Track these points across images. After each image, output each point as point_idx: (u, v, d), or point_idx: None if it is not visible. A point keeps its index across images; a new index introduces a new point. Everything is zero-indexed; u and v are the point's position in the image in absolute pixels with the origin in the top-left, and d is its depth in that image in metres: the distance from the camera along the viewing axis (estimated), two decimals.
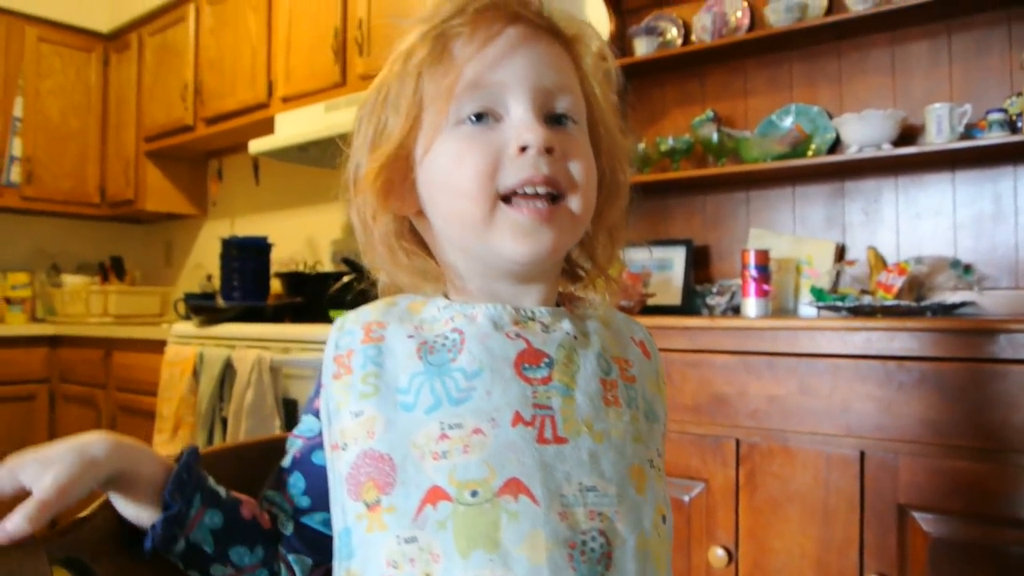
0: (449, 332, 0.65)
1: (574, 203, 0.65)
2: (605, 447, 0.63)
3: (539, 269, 0.67)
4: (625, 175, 0.74)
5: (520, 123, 0.63)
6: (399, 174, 0.67)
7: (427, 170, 0.66)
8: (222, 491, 0.67)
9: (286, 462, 0.70)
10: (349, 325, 0.69)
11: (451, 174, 0.64)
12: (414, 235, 0.72)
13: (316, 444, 0.68)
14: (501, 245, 0.63)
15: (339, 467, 0.63)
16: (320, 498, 0.67)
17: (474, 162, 0.63)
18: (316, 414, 0.69)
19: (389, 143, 0.66)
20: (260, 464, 0.73)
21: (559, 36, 0.69)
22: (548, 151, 0.63)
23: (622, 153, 0.74)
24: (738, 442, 1.66)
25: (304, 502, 0.68)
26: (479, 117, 0.64)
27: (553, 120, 0.66)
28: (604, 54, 0.73)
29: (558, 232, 0.64)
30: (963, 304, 1.84)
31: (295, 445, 0.70)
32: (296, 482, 0.68)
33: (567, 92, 0.67)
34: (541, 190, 0.63)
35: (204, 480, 0.65)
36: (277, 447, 0.72)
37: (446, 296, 0.70)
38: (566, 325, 0.68)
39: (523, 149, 0.62)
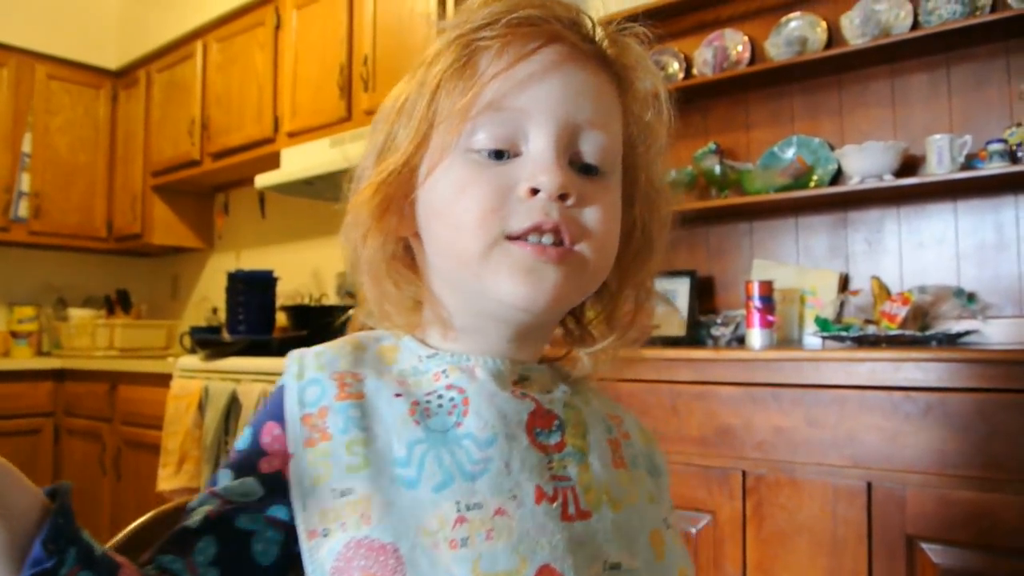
0: (444, 390, 0.57)
1: (586, 249, 0.56)
2: (626, 515, 0.58)
3: (538, 322, 0.60)
4: (663, 231, 0.65)
5: (537, 159, 0.55)
6: (400, 191, 0.59)
7: (427, 191, 0.58)
8: (98, 549, 0.48)
9: (194, 521, 0.54)
10: (312, 372, 0.58)
11: (450, 204, 0.56)
12: (408, 260, 0.63)
13: (243, 507, 0.54)
14: (497, 285, 0.55)
15: (320, 558, 0.52)
16: (233, 572, 0.53)
17: (478, 196, 0.54)
18: (257, 475, 0.56)
19: (394, 157, 0.58)
20: None
21: (607, 65, 0.60)
22: (562, 197, 0.54)
23: (663, 204, 0.65)
24: (744, 474, 1.65)
25: (211, 574, 0.53)
26: (497, 155, 0.55)
27: (579, 168, 0.57)
28: (659, 91, 0.63)
29: (565, 276, 0.55)
30: (967, 333, 1.84)
31: (210, 503, 0.55)
32: (206, 548, 0.53)
33: (600, 130, 0.57)
34: (547, 239, 0.54)
35: (80, 532, 0.47)
36: None
37: (420, 339, 0.62)
38: (561, 384, 0.62)
39: (535, 191, 0.54)
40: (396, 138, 0.59)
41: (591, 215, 0.56)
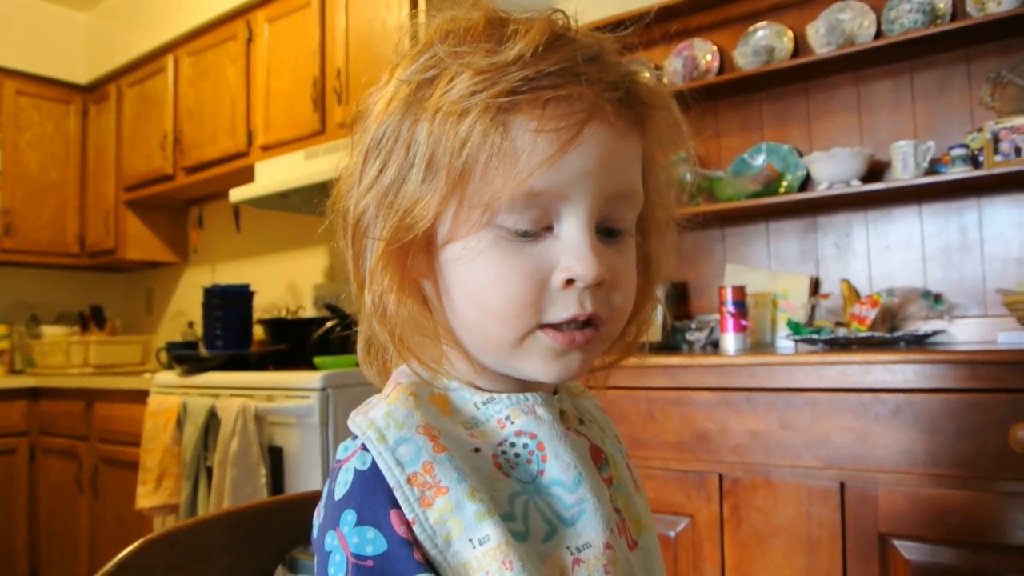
0: (514, 437, 0.55)
1: (612, 328, 0.56)
2: (651, 538, 0.62)
3: None
4: (670, 248, 0.64)
5: (572, 246, 0.52)
6: (417, 247, 0.55)
7: (450, 259, 0.54)
8: None
9: None
10: (394, 432, 0.52)
11: (482, 288, 0.53)
12: (421, 297, 0.58)
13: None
14: (527, 366, 0.55)
15: None
16: None
17: (513, 286, 0.52)
18: (407, 547, 0.49)
19: (411, 217, 0.53)
20: (255, 528, 0.70)
21: (630, 108, 0.55)
22: (598, 285, 0.53)
23: (671, 227, 0.64)
24: (721, 477, 1.68)
25: None
26: (527, 232, 0.52)
27: (605, 232, 0.55)
28: (677, 121, 0.60)
29: (588, 355, 0.56)
30: (935, 333, 1.89)
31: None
32: None
33: (630, 196, 0.56)
34: (578, 325, 0.54)
35: None
36: (270, 510, 0.68)
37: (457, 378, 0.58)
38: (575, 408, 0.64)
39: (571, 281, 0.52)
40: (407, 184, 0.53)
41: (619, 290, 0.55)
